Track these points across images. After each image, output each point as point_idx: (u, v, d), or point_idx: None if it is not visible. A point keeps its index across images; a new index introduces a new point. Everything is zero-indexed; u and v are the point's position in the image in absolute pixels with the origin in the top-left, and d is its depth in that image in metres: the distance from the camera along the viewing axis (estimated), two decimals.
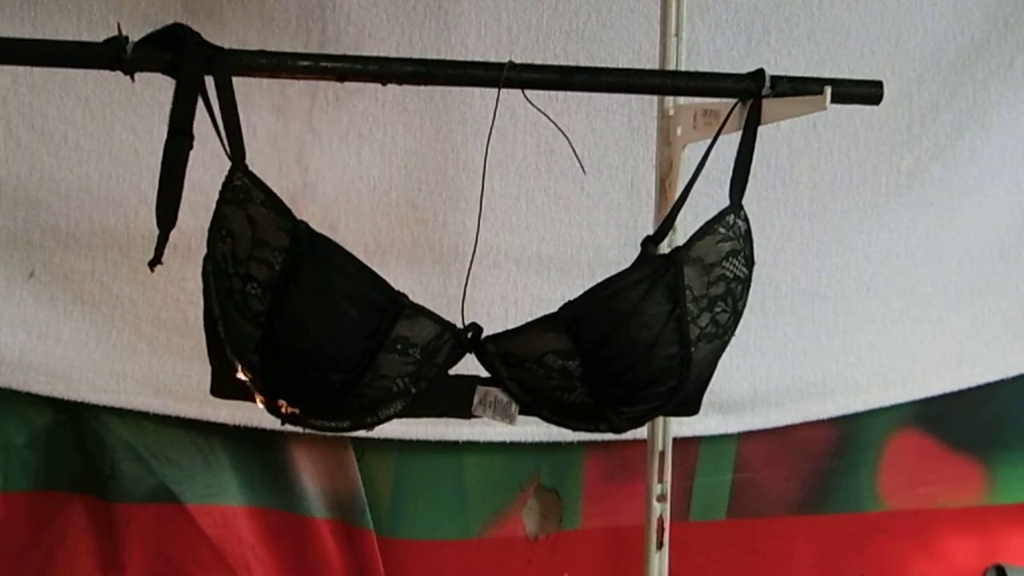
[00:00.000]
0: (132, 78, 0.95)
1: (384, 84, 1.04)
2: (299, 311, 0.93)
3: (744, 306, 1.04)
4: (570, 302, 0.98)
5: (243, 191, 0.94)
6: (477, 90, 1.38)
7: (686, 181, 1.03)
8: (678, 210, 1.05)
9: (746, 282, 1.02)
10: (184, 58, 0.94)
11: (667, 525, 1.43)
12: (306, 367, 0.95)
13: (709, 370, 1.06)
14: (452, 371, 1.04)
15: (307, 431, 1.07)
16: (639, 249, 1.06)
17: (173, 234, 0.96)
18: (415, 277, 1.54)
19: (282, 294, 0.93)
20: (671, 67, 1.30)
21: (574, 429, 1.06)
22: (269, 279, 0.93)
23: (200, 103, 0.95)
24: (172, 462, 1.59)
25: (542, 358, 0.99)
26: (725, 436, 1.69)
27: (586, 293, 0.98)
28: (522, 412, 1.05)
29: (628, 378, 0.98)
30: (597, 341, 0.97)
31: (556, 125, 1.15)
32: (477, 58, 1.26)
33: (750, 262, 1.03)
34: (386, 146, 1.52)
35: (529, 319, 1.00)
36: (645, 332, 0.97)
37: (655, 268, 0.98)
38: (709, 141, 1.06)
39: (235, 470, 1.61)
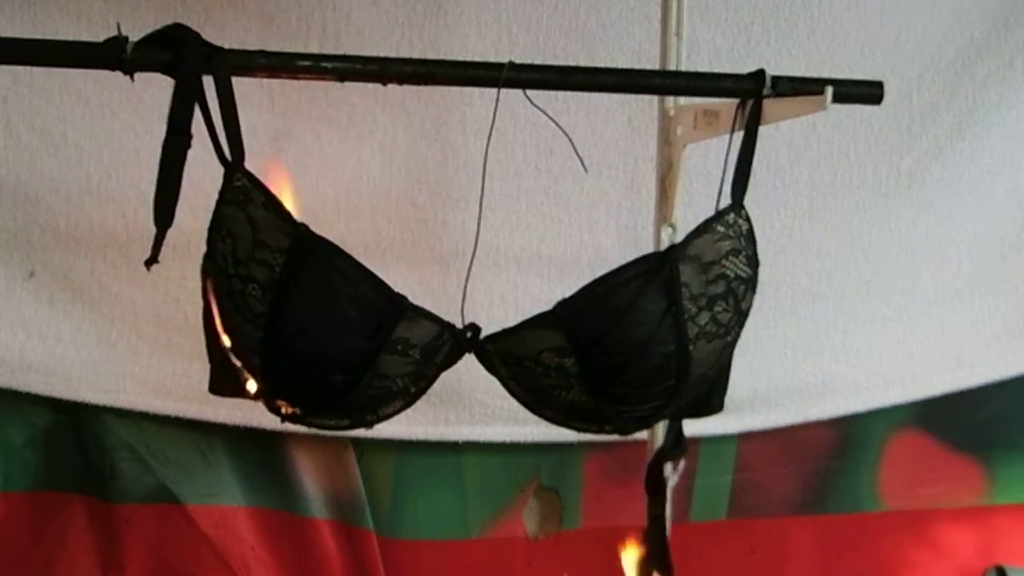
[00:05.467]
0: (132, 78, 0.95)
1: (384, 84, 1.04)
2: (300, 312, 0.93)
3: (749, 306, 1.03)
4: (565, 299, 0.98)
5: (243, 192, 0.94)
6: (477, 90, 1.38)
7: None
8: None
9: (749, 282, 1.02)
10: (184, 58, 0.93)
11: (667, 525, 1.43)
12: (307, 368, 0.95)
13: (716, 370, 1.06)
14: (451, 370, 1.04)
15: (307, 431, 1.07)
16: (639, 249, 1.06)
17: (173, 234, 0.96)
18: (415, 277, 1.54)
19: (283, 296, 0.93)
20: (671, 67, 1.30)
21: (579, 431, 1.06)
22: (270, 280, 0.93)
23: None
24: (172, 462, 1.59)
25: (539, 356, 0.99)
26: (725, 436, 1.69)
27: (581, 290, 0.98)
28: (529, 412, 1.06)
29: (625, 376, 0.98)
30: (592, 338, 0.97)
31: (557, 124, 1.15)
32: (477, 58, 1.25)
33: (753, 262, 1.03)
34: (386, 146, 1.52)
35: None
36: (640, 329, 0.97)
37: (650, 265, 0.98)
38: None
39: (235, 470, 1.61)
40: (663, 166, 1.31)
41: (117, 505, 1.58)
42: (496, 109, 1.04)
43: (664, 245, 1.28)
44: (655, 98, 1.34)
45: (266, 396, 1.00)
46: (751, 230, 1.02)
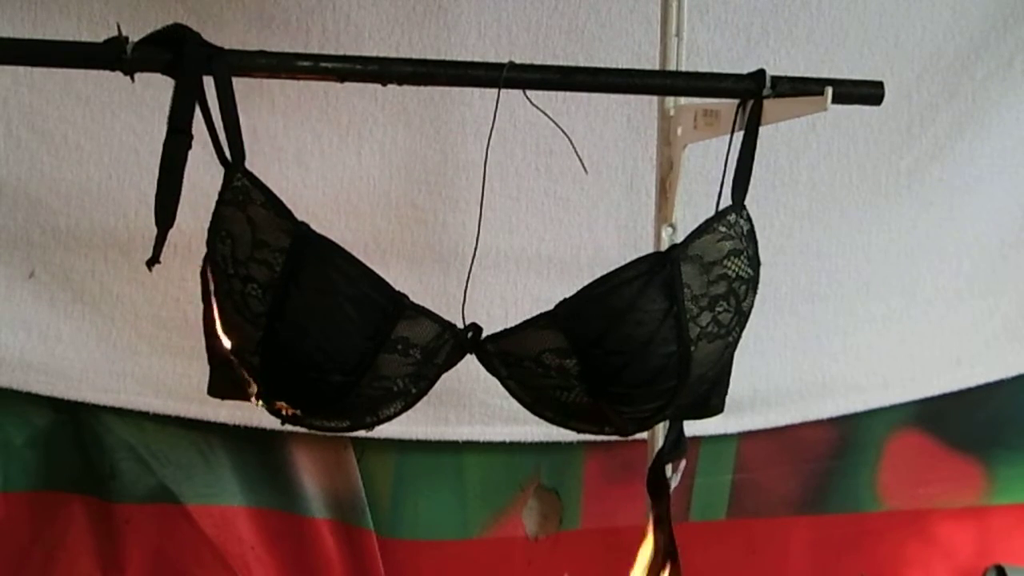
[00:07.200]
0: (132, 78, 0.95)
1: (384, 84, 1.04)
2: (300, 312, 0.93)
3: (750, 306, 1.03)
4: (566, 299, 0.98)
5: (243, 192, 0.94)
6: (477, 90, 1.38)
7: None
8: None
9: (751, 282, 1.02)
10: (184, 58, 0.93)
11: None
12: (306, 368, 0.95)
13: (716, 370, 1.05)
14: (451, 370, 1.04)
15: (307, 431, 1.07)
16: (639, 249, 1.06)
17: (173, 234, 0.96)
18: (415, 277, 1.54)
19: (283, 295, 0.92)
20: (671, 67, 1.30)
21: (578, 431, 1.06)
22: (269, 280, 0.93)
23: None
24: (172, 462, 1.59)
25: (539, 356, 0.99)
26: (725, 436, 1.69)
27: (581, 290, 0.98)
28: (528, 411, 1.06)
29: (625, 376, 0.98)
30: (593, 339, 0.97)
31: (557, 124, 1.15)
32: (477, 58, 1.25)
33: (755, 262, 1.02)
34: (386, 146, 1.52)
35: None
36: (641, 330, 0.96)
37: (651, 265, 0.98)
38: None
39: (235, 470, 1.61)
40: (663, 166, 1.31)
41: (117, 505, 1.58)
42: (496, 109, 1.04)
43: (664, 245, 1.28)
44: (655, 98, 1.35)
45: (266, 397, 1.00)
46: (752, 230, 1.02)
